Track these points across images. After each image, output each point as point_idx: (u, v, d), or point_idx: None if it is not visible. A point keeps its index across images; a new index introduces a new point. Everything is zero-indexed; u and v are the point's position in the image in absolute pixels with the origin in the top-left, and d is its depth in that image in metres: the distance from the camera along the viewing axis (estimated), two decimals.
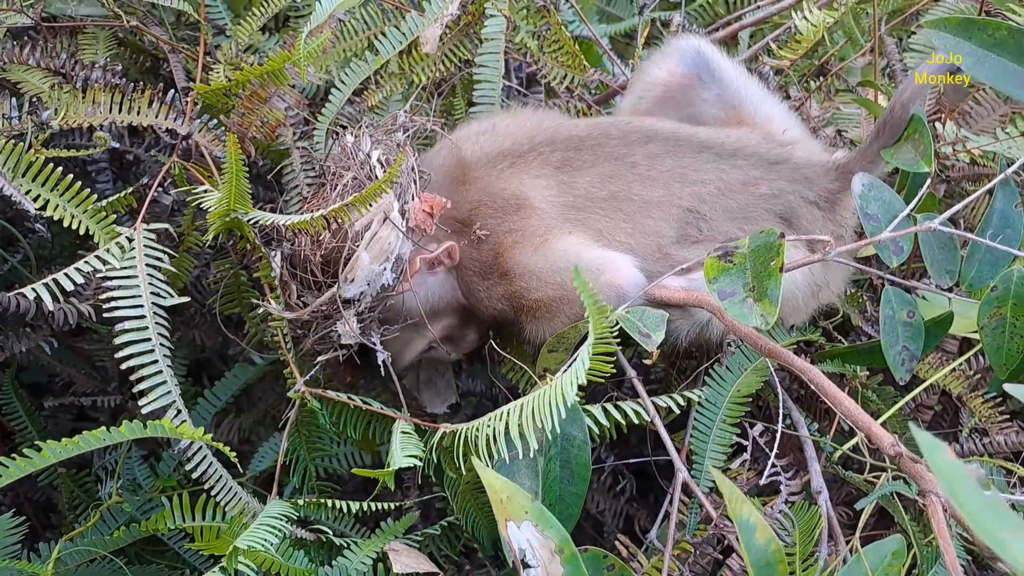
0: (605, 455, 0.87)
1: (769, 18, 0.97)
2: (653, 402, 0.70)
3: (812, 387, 0.61)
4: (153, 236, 0.71)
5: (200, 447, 0.67)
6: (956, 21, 0.62)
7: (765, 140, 0.77)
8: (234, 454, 0.67)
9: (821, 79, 1.08)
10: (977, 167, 0.92)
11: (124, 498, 0.86)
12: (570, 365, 0.58)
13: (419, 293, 0.74)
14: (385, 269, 0.71)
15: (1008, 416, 0.81)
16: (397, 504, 0.79)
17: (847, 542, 0.65)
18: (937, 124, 0.85)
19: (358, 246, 0.70)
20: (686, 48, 0.81)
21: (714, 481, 0.66)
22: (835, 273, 0.76)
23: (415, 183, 0.74)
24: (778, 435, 0.66)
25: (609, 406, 0.69)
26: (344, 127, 0.88)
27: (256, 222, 0.67)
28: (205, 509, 0.73)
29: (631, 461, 0.83)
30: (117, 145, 0.81)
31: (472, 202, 0.75)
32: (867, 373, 0.77)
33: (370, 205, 0.68)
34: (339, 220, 0.65)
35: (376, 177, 0.72)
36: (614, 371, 0.61)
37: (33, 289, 0.64)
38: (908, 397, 0.72)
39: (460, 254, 0.74)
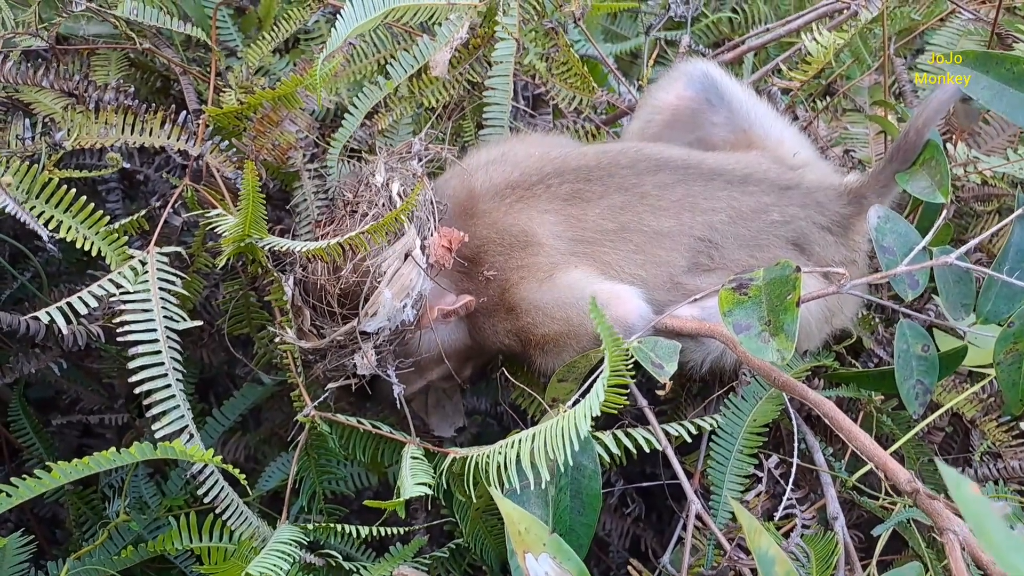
0: (614, 478, 0.87)
1: (776, 39, 0.97)
2: (665, 430, 0.70)
3: (826, 421, 0.60)
4: (166, 259, 0.71)
5: (212, 471, 0.67)
6: (973, 55, 0.62)
7: (776, 164, 0.77)
8: (243, 476, 0.67)
9: (828, 99, 1.09)
10: (988, 187, 0.93)
11: (131, 517, 0.86)
12: (583, 395, 0.58)
13: (429, 338, 0.74)
14: (406, 306, 0.72)
15: (1022, 440, 0.81)
16: (406, 528, 0.79)
17: (863, 567, 0.64)
18: (948, 145, 0.85)
19: (379, 282, 0.70)
20: (694, 72, 0.81)
21: (731, 511, 0.66)
22: (848, 299, 0.76)
23: (433, 216, 0.74)
24: (793, 468, 0.66)
25: (620, 434, 0.69)
26: (356, 151, 0.89)
27: (271, 247, 0.67)
28: (213, 530, 0.73)
29: (642, 485, 0.83)
30: (128, 165, 0.81)
31: (481, 238, 0.75)
32: (881, 397, 0.77)
33: (387, 235, 0.69)
34: (355, 248, 0.65)
35: (394, 206, 0.73)
36: (627, 402, 0.61)
37: (48, 313, 0.64)
38: (923, 424, 0.71)
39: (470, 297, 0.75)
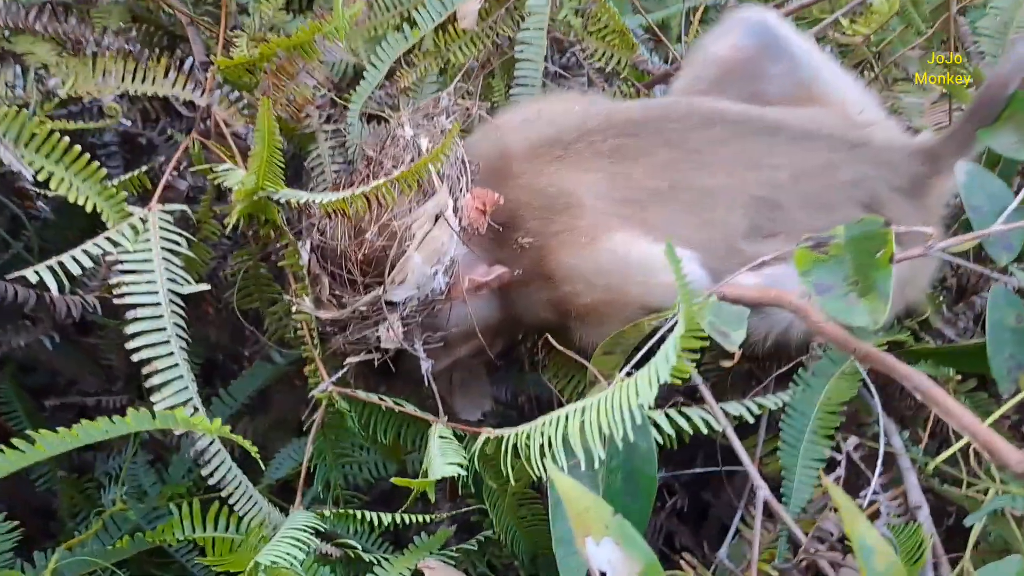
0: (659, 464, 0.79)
1: None
2: (724, 410, 0.62)
3: (919, 396, 0.53)
4: (169, 218, 0.64)
5: (218, 449, 0.60)
6: None
7: (843, 121, 0.70)
8: (256, 449, 0.59)
9: (879, 68, 1.02)
10: None
11: (128, 505, 0.79)
12: (636, 363, 0.50)
13: (459, 311, 0.67)
14: (437, 273, 0.64)
15: None
16: (430, 517, 0.72)
17: (951, 562, 0.57)
18: None
19: (408, 246, 0.63)
20: (751, 20, 0.74)
21: (805, 499, 0.59)
22: (921, 268, 0.69)
23: (465, 176, 0.67)
24: (881, 451, 0.58)
25: (673, 413, 0.62)
26: (376, 115, 0.82)
27: (286, 203, 0.60)
28: (218, 519, 0.66)
29: (695, 471, 0.75)
30: (127, 123, 0.75)
31: (515, 202, 0.68)
32: (959, 377, 0.69)
33: (415, 195, 0.62)
34: (381, 201, 0.58)
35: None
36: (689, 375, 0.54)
37: (36, 272, 0.57)
38: (1010, 403, 0.64)
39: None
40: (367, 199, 0.57)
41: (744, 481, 0.82)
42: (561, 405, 0.65)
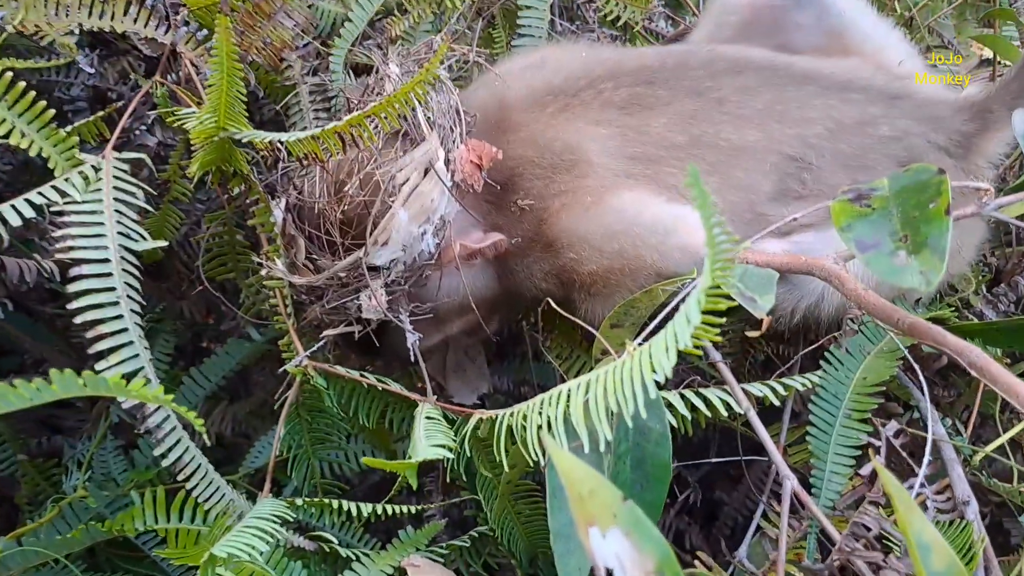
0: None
1: None
2: (746, 391, 0.55)
3: (974, 373, 0.46)
4: (125, 167, 0.58)
5: (173, 427, 0.53)
6: None
7: (881, 72, 0.63)
8: (201, 422, 0.51)
9: (911, 34, 0.94)
10: None
11: (90, 492, 0.72)
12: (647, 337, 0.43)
13: (450, 281, 0.60)
14: (425, 232, 0.57)
15: None
16: (417, 509, 0.64)
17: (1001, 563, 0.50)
18: None
19: (392, 201, 0.56)
20: None
21: (836, 491, 0.52)
22: (968, 236, 0.62)
23: (459, 126, 0.60)
24: (930, 437, 0.51)
25: (689, 393, 0.55)
26: (366, 64, 0.75)
27: (256, 153, 0.53)
28: (183, 509, 0.59)
29: (711, 460, 0.68)
30: (90, 69, 0.68)
31: (515, 159, 0.60)
32: (1009, 360, 0.62)
33: (404, 135, 0.55)
34: (357, 140, 0.51)
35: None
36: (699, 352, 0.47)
37: None
38: None
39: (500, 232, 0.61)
40: (341, 138, 0.50)
41: (763, 473, 0.75)
42: None
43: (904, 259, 0.44)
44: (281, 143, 0.50)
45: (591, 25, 0.81)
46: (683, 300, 0.45)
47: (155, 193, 0.72)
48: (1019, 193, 0.52)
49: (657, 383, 0.43)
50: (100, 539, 0.64)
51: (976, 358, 0.47)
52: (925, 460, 0.50)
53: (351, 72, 0.72)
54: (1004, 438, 0.54)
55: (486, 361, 0.74)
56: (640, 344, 0.44)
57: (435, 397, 0.59)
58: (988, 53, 0.86)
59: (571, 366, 0.69)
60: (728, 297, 0.39)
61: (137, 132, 0.70)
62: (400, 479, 0.52)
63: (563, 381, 0.70)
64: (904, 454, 0.53)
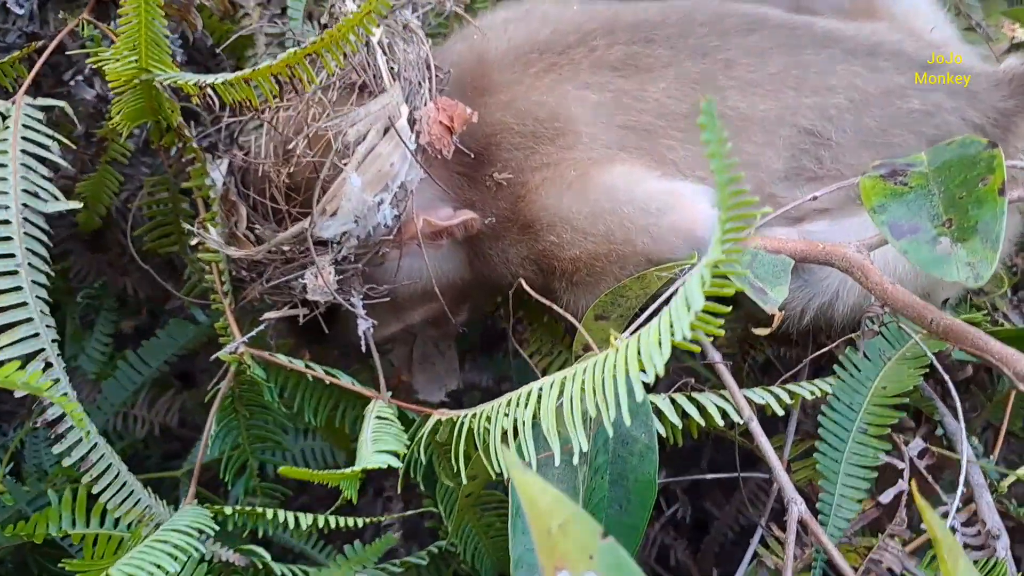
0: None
1: None
2: (747, 397, 0.48)
3: (1020, 386, 0.38)
4: (39, 116, 0.50)
5: (69, 424, 0.45)
6: None
7: (911, 37, 0.55)
8: (83, 421, 0.43)
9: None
10: None
11: (7, 488, 0.64)
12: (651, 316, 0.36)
13: (412, 263, 0.52)
14: (382, 202, 0.49)
15: None
16: (372, 520, 0.57)
17: None
18: None
19: (344, 163, 0.48)
20: None
21: (847, 517, 0.44)
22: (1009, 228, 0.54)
23: (429, 81, 0.52)
24: (964, 460, 0.43)
25: (681, 398, 0.47)
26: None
27: (172, 83, 0.45)
28: (105, 512, 0.51)
29: (704, 477, 0.61)
30: (21, 11, 0.59)
31: (493, 125, 0.53)
32: None
33: (362, 88, 0.47)
34: (295, 81, 0.43)
35: (373, 55, 0.50)
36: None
37: None
38: None
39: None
40: (278, 81, 0.42)
41: (759, 488, 0.68)
42: None
43: (948, 247, 0.37)
44: (209, 86, 0.42)
45: None
46: (680, 287, 0.37)
47: (90, 153, 0.65)
48: None
49: (645, 384, 0.35)
50: (6, 545, 0.57)
51: (1021, 367, 0.40)
52: (960, 489, 0.43)
53: (316, 21, 0.64)
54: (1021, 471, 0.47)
55: (457, 354, 0.66)
56: (628, 336, 0.37)
57: (389, 394, 0.51)
58: (1021, 35, 0.79)
59: (551, 363, 0.61)
60: (734, 288, 0.32)
61: (72, 84, 0.62)
62: (346, 490, 0.44)
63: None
64: (930, 478, 0.46)
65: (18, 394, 0.43)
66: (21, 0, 0.61)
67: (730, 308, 0.32)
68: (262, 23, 0.63)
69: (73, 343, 0.74)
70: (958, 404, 0.46)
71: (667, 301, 0.43)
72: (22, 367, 0.43)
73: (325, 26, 0.51)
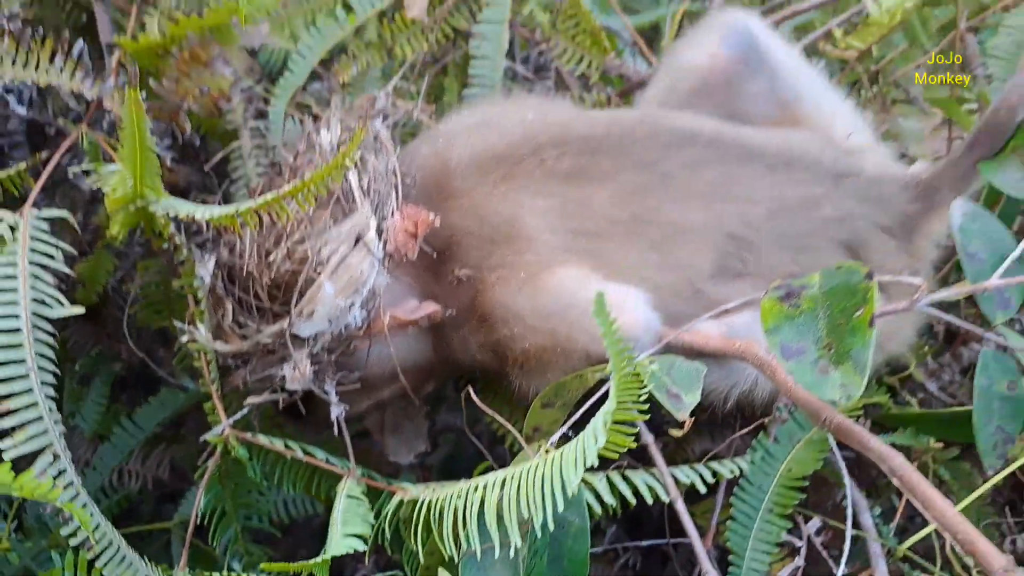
0: (605, 524, 0.71)
1: (829, 3, 0.81)
2: (673, 475, 0.54)
3: (897, 482, 0.45)
4: (46, 226, 0.56)
5: (84, 503, 0.51)
6: None
7: (829, 147, 0.62)
8: (90, 527, 0.48)
9: (876, 87, 0.93)
10: None
11: (12, 545, 0.70)
12: (572, 428, 0.42)
13: (381, 350, 0.59)
14: (353, 305, 0.56)
15: None
16: None
17: None
18: None
19: (319, 273, 0.54)
20: (733, 25, 0.65)
21: None
22: (907, 320, 0.61)
23: (396, 192, 0.58)
24: (847, 541, 0.50)
25: (616, 477, 0.54)
26: (308, 107, 0.73)
27: (170, 214, 0.51)
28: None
29: (639, 544, 0.67)
30: (23, 112, 0.65)
31: (454, 226, 0.59)
32: (941, 444, 0.61)
33: (332, 209, 0.53)
34: (274, 218, 0.49)
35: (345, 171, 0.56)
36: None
37: None
38: (997, 478, 0.56)
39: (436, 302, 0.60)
40: (259, 216, 0.48)
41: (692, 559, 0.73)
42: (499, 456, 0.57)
43: (826, 369, 0.43)
44: (198, 217, 0.49)
45: (547, 73, 0.80)
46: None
47: (88, 238, 0.71)
48: (951, 288, 0.51)
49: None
50: None
51: (897, 466, 0.46)
52: (843, 562, 0.49)
53: (296, 112, 0.70)
54: (923, 532, 0.54)
55: (424, 420, 0.73)
56: (564, 437, 0.43)
57: (359, 471, 0.58)
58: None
59: (508, 433, 0.67)
60: (635, 417, 0.38)
61: (71, 175, 0.68)
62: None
63: (500, 444, 0.69)
64: (825, 555, 0.52)
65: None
66: (22, 99, 0.67)
67: (637, 429, 0.39)
68: (247, 116, 0.69)
69: (70, 403, 0.80)
70: (848, 484, 0.52)
71: (604, 397, 0.49)
72: (31, 464, 0.49)
73: (301, 156, 0.57)
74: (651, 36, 1.10)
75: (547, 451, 0.44)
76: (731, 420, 0.67)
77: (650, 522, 0.76)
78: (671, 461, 0.62)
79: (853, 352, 0.43)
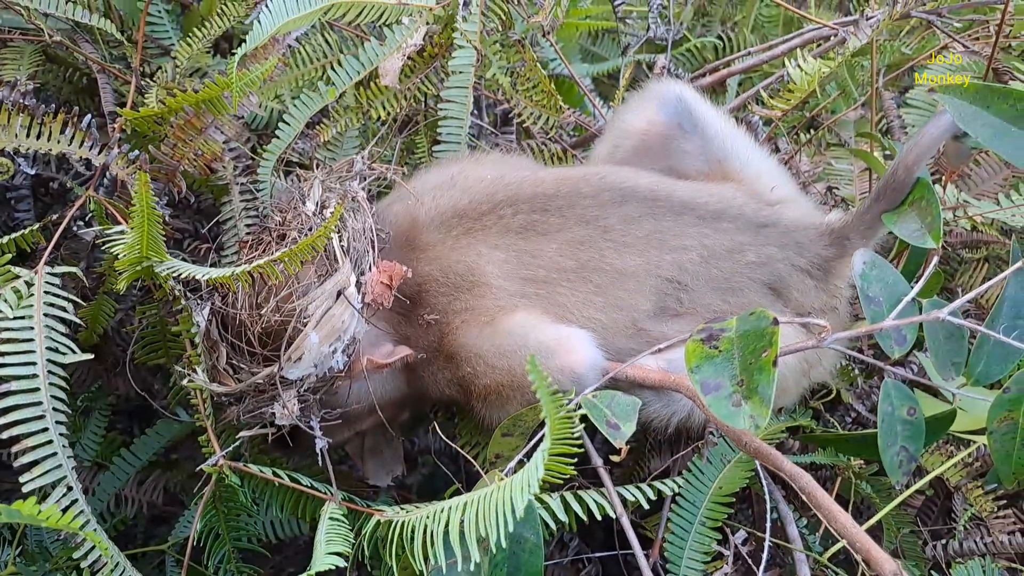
0: (568, 537, 0.79)
1: (759, 66, 0.90)
2: (620, 494, 0.62)
3: (804, 497, 0.53)
4: (57, 281, 0.62)
5: (94, 528, 0.57)
6: (974, 88, 0.55)
7: (752, 200, 0.70)
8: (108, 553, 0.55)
9: (812, 132, 1.02)
10: (977, 233, 0.86)
11: (19, 569, 0.75)
12: (520, 461, 0.49)
13: (360, 387, 0.66)
14: (336, 351, 0.63)
15: (1005, 503, 0.74)
16: None
17: None
18: (936, 187, 0.79)
19: (305, 324, 0.61)
20: (667, 95, 0.74)
21: None
22: (828, 350, 0.69)
23: (373, 248, 0.66)
24: (766, 547, 0.58)
25: (569, 496, 0.61)
26: (295, 164, 0.81)
27: (175, 273, 0.58)
28: None
29: (595, 555, 0.74)
30: (30, 171, 0.72)
31: (423, 276, 0.67)
32: (861, 462, 0.69)
33: (317, 269, 0.61)
34: (264, 278, 0.57)
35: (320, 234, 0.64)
36: (575, 463, 0.53)
37: None
38: (907, 493, 0.64)
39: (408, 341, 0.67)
40: (252, 277, 0.55)
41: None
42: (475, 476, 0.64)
43: (739, 403, 0.51)
44: (197, 279, 0.56)
45: (510, 128, 0.88)
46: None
47: (91, 285, 0.77)
48: (852, 330, 0.59)
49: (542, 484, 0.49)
50: None
51: (804, 484, 0.54)
52: (761, 569, 0.57)
53: (282, 167, 0.77)
54: (839, 545, 0.61)
55: (401, 445, 0.80)
56: (508, 473, 0.50)
57: (340, 495, 0.64)
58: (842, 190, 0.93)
59: (478, 453, 0.75)
60: (571, 450, 0.46)
61: (77, 226, 0.74)
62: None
63: (470, 464, 0.76)
64: (751, 563, 0.60)
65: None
66: (29, 162, 0.74)
67: (575, 459, 0.46)
68: (236, 175, 0.76)
69: (72, 434, 0.86)
70: (769, 497, 0.60)
71: None
72: (48, 495, 0.55)
73: (287, 220, 0.65)
74: (611, 84, 1.20)
75: (501, 479, 0.51)
76: (685, 441, 0.74)
77: (611, 535, 0.84)
78: (630, 477, 0.69)
79: (760, 387, 0.50)
